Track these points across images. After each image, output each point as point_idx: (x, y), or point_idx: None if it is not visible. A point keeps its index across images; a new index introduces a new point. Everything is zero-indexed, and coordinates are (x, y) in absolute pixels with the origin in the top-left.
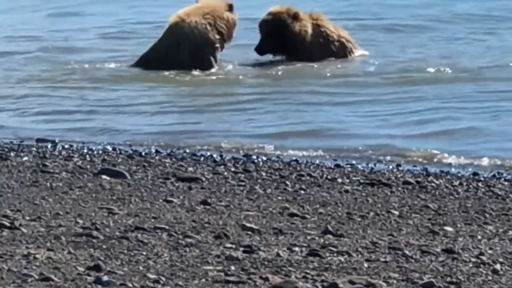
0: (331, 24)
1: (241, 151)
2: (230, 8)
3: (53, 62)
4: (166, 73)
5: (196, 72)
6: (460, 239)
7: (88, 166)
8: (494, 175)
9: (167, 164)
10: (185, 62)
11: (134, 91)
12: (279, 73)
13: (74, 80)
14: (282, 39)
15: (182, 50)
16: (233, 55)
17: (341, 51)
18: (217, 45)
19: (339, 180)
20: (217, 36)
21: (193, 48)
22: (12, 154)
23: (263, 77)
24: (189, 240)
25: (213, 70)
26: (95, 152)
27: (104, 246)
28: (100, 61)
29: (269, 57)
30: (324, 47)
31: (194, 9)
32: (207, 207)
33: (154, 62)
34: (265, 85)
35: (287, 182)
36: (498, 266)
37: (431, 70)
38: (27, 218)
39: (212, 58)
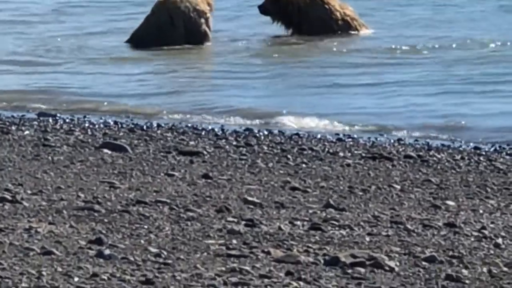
0: (337, 1)
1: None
2: None
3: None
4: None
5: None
6: (462, 213)
7: (90, 140)
8: (495, 149)
9: (168, 138)
10: (181, 36)
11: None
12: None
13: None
14: (283, 8)
15: (177, 24)
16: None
17: (344, 29)
18: (209, 16)
19: (341, 154)
20: (207, 7)
21: (187, 22)
22: (13, 128)
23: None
24: (190, 214)
25: (208, 43)
26: (96, 125)
27: (105, 220)
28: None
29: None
30: (327, 23)
31: None
32: (209, 181)
33: (149, 38)
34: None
35: (289, 156)
36: (500, 240)
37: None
38: (29, 192)
39: (207, 30)
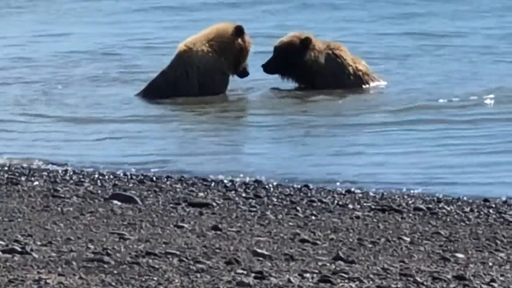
0: (349, 55)
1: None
2: (238, 31)
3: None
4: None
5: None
6: (472, 265)
7: (99, 191)
8: (505, 201)
9: (178, 189)
10: (195, 90)
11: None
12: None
13: None
14: (290, 63)
15: (192, 79)
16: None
17: (357, 84)
18: (226, 71)
19: (350, 206)
20: (225, 62)
21: (202, 77)
22: (23, 178)
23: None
24: (200, 265)
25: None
26: (106, 177)
27: (115, 272)
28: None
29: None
30: (339, 78)
31: (200, 36)
32: (218, 232)
33: (165, 89)
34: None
35: (298, 208)
36: None
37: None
38: (38, 243)
39: (222, 86)
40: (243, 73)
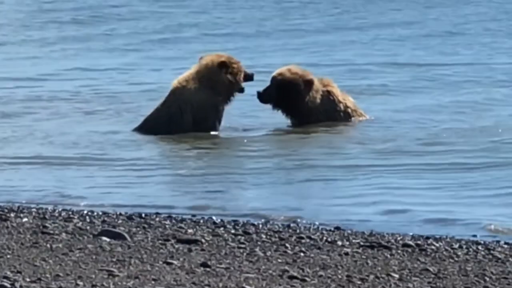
0: (339, 92)
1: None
2: (222, 66)
3: None
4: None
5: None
6: None
7: (88, 228)
8: (493, 238)
9: (167, 226)
10: (189, 127)
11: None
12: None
13: None
14: (289, 100)
15: (186, 115)
16: None
17: (346, 119)
18: (220, 107)
19: (339, 243)
20: (218, 97)
21: (195, 114)
22: (12, 215)
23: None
24: None
25: (217, 133)
26: (95, 213)
27: None
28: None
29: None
30: (329, 115)
31: (192, 73)
32: (207, 269)
33: (159, 126)
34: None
35: (287, 245)
36: None
37: None
38: (27, 279)
39: (216, 122)
40: (240, 91)
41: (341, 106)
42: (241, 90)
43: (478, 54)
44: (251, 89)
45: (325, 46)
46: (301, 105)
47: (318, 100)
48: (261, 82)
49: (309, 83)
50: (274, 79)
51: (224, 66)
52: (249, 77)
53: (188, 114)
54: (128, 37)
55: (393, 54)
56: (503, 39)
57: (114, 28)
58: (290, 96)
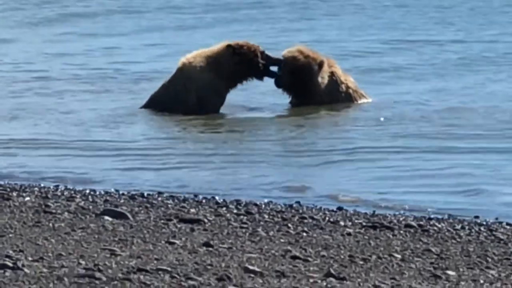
0: (341, 72)
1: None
2: (229, 50)
3: None
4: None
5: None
6: (463, 283)
7: (91, 207)
8: (496, 219)
9: (169, 205)
10: (193, 105)
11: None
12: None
13: None
14: (302, 82)
15: (189, 93)
16: None
17: (347, 100)
18: (223, 90)
19: (342, 223)
20: (221, 81)
21: (199, 92)
22: (14, 194)
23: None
24: (191, 282)
25: (218, 113)
26: (97, 192)
27: None
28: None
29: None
30: (333, 95)
31: (201, 52)
32: (210, 249)
33: (166, 103)
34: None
35: (290, 225)
36: None
37: None
38: (30, 258)
39: (217, 104)
40: (259, 78)
41: (343, 87)
42: (259, 74)
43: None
44: None
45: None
46: (313, 87)
47: (326, 81)
48: None
49: (320, 65)
50: (287, 64)
51: (231, 49)
52: (277, 61)
53: (193, 93)
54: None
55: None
56: None
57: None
58: (303, 79)
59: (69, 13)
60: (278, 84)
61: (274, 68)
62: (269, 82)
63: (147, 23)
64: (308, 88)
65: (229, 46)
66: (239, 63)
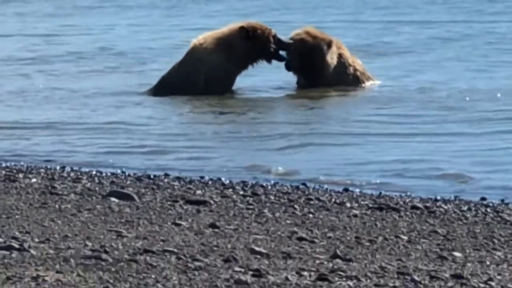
0: (349, 54)
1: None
2: (242, 33)
3: None
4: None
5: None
6: (469, 264)
7: (97, 188)
8: (502, 201)
9: (175, 187)
10: (203, 86)
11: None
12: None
13: None
14: (312, 63)
15: (199, 74)
16: None
17: (355, 83)
18: (232, 72)
19: (348, 205)
20: (232, 63)
21: (209, 74)
22: (20, 175)
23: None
24: (197, 263)
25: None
26: (104, 174)
27: (113, 269)
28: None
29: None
30: (341, 77)
31: (213, 34)
32: (216, 230)
33: (176, 84)
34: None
35: (296, 206)
36: None
37: None
38: (36, 240)
39: (225, 86)
40: (268, 60)
41: (351, 69)
42: (269, 58)
43: None
44: None
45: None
46: (323, 68)
47: (334, 63)
48: None
49: (329, 45)
50: (296, 46)
51: (245, 32)
52: (287, 45)
53: (203, 74)
54: None
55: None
56: None
57: None
58: (313, 60)
59: None
60: (288, 67)
61: (282, 52)
62: (275, 63)
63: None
64: (317, 69)
65: (242, 28)
66: (251, 46)
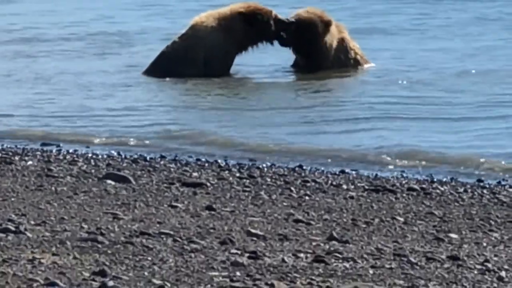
0: (350, 39)
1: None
2: (241, 17)
3: None
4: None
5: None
6: (465, 246)
7: (93, 171)
8: (499, 182)
9: (171, 169)
10: (201, 64)
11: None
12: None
13: None
14: (306, 39)
15: (198, 52)
16: None
17: (354, 66)
18: (230, 52)
19: (344, 187)
20: (232, 42)
21: (208, 52)
22: (16, 158)
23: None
24: (194, 245)
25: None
26: (100, 156)
27: (109, 251)
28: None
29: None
30: (342, 61)
31: (215, 13)
32: (212, 212)
33: (174, 60)
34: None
35: (292, 188)
36: (503, 273)
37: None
38: (32, 222)
39: (225, 65)
40: (269, 41)
41: (352, 53)
42: (271, 40)
43: None
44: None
45: None
46: (319, 46)
47: (334, 45)
48: None
49: (327, 24)
50: (293, 22)
51: (244, 16)
52: (287, 24)
53: (202, 51)
54: None
55: None
56: None
57: None
58: (308, 37)
59: None
60: (282, 43)
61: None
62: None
63: None
64: (313, 47)
65: (241, 13)
66: (251, 30)
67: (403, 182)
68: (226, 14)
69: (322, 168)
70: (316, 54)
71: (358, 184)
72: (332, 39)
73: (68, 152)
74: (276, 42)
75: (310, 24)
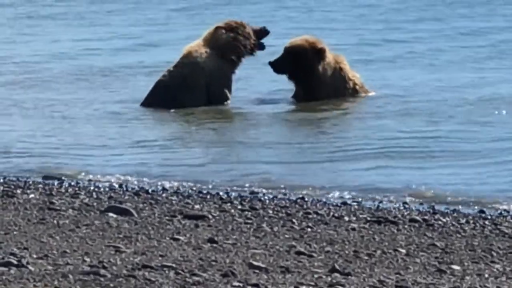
0: (349, 69)
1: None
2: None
3: None
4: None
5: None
6: (468, 277)
7: (95, 204)
8: (500, 213)
9: (173, 202)
10: (203, 91)
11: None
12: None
13: None
14: (301, 68)
15: (198, 78)
16: None
17: (352, 95)
18: (229, 73)
19: (346, 218)
20: (226, 63)
21: (207, 78)
22: (18, 191)
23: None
24: (196, 278)
25: (228, 102)
26: (102, 189)
27: (111, 285)
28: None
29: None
30: (340, 91)
31: (198, 42)
32: (214, 245)
33: (172, 88)
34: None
35: (294, 220)
36: None
37: None
38: (34, 256)
39: (225, 89)
40: (260, 48)
41: (351, 83)
42: (252, 49)
43: None
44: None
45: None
46: (313, 75)
47: (329, 73)
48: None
49: (320, 52)
50: (285, 48)
51: (225, 28)
52: (263, 33)
53: (201, 78)
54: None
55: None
56: None
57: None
58: (301, 64)
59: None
60: (274, 69)
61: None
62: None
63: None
64: (307, 74)
65: (218, 27)
66: (233, 38)
67: (405, 213)
68: (207, 37)
69: (324, 200)
70: (311, 81)
71: (360, 216)
72: (327, 68)
73: (70, 185)
74: (269, 67)
75: (301, 50)
